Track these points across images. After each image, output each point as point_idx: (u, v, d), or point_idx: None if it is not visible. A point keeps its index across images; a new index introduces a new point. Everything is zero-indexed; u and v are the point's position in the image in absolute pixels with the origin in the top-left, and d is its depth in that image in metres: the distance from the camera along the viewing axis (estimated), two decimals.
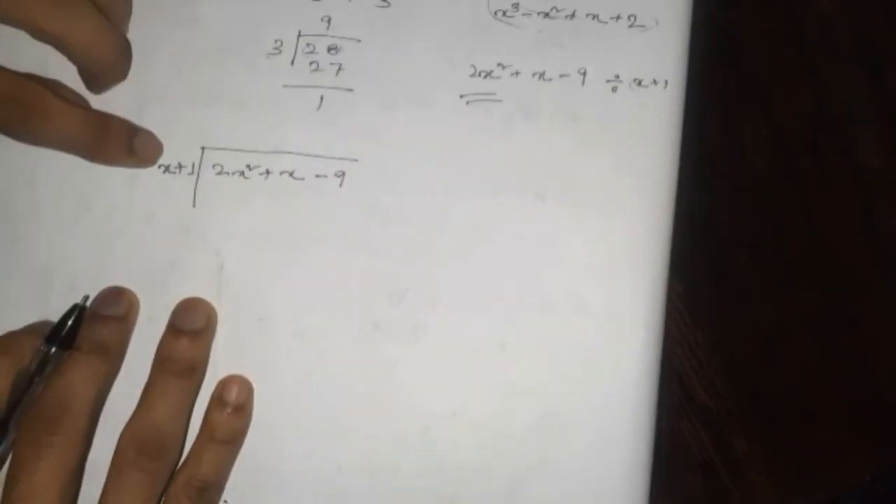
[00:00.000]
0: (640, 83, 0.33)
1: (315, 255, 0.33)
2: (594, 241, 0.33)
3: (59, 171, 0.34)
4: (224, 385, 0.33)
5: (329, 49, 0.34)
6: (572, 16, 0.34)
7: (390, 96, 0.34)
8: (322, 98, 0.34)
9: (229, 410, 0.32)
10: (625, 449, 0.32)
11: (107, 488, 0.31)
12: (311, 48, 0.34)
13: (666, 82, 0.33)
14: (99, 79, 0.33)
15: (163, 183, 0.34)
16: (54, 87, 0.33)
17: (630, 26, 0.34)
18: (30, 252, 0.34)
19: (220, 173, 0.34)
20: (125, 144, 0.33)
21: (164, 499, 0.32)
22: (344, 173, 0.34)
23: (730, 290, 0.36)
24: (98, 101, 0.34)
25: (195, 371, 0.33)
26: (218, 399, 0.33)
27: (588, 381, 0.32)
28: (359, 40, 0.34)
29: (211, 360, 0.33)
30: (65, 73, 0.33)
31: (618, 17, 0.34)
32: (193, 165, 0.34)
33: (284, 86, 0.34)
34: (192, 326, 0.33)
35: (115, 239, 0.34)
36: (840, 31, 0.37)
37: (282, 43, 0.34)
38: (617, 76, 0.33)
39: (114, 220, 0.34)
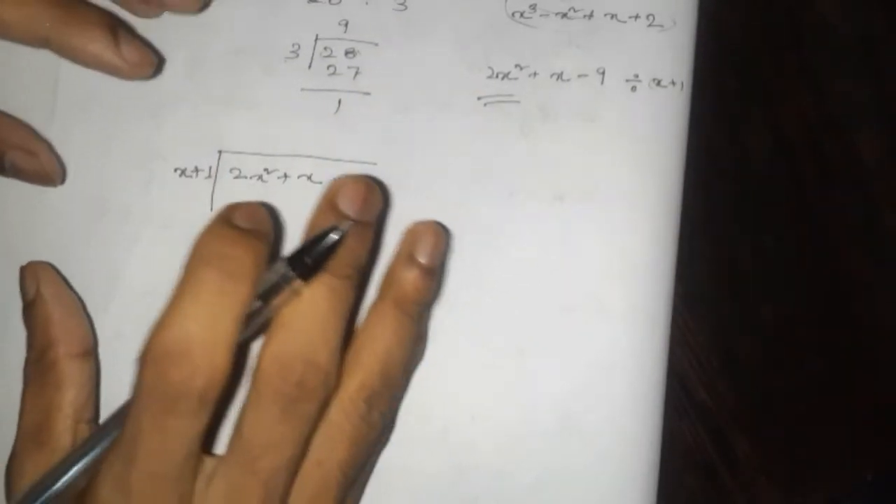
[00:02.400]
0: (658, 83, 0.33)
1: None
2: (614, 242, 0.32)
3: (73, 176, 0.33)
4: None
5: (346, 52, 0.34)
6: (590, 16, 0.33)
7: (408, 99, 0.33)
8: (340, 102, 0.33)
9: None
10: (641, 452, 0.31)
11: (324, 437, 0.27)
12: (329, 52, 0.34)
13: (682, 84, 0.33)
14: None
15: (179, 187, 0.33)
16: None
17: (649, 26, 0.33)
18: (45, 258, 0.32)
19: (237, 177, 0.33)
20: (108, 36, 0.31)
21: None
22: None
23: (730, 290, 0.36)
24: (113, 106, 0.33)
25: (425, 318, 0.30)
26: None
27: (607, 384, 0.32)
28: (376, 44, 0.34)
29: None
30: None
31: (636, 17, 0.33)
32: (210, 169, 0.33)
33: (302, 89, 0.33)
34: (431, 262, 0.29)
35: (132, 244, 0.33)
36: (840, 32, 0.37)
37: (299, 46, 0.34)
38: (636, 76, 0.33)
39: (129, 225, 0.33)
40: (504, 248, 0.32)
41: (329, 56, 0.34)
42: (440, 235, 0.29)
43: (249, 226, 0.26)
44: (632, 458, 0.32)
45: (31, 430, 0.29)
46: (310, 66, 0.34)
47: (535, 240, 0.32)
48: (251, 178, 0.33)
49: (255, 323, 0.26)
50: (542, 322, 0.32)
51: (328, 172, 0.33)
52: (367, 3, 0.34)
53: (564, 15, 0.33)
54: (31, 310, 0.31)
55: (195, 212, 0.33)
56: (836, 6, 0.37)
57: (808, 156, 0.36)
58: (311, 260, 0.26)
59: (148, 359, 0.24)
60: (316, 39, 0.34)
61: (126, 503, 0.25)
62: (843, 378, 0.35)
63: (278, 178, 0.33)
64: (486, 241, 0.32)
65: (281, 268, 0.26)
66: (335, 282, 0.26)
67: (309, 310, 0.26)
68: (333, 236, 0.26)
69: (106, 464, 0.26)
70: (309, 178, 0.33)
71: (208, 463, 0.26)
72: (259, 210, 0.27)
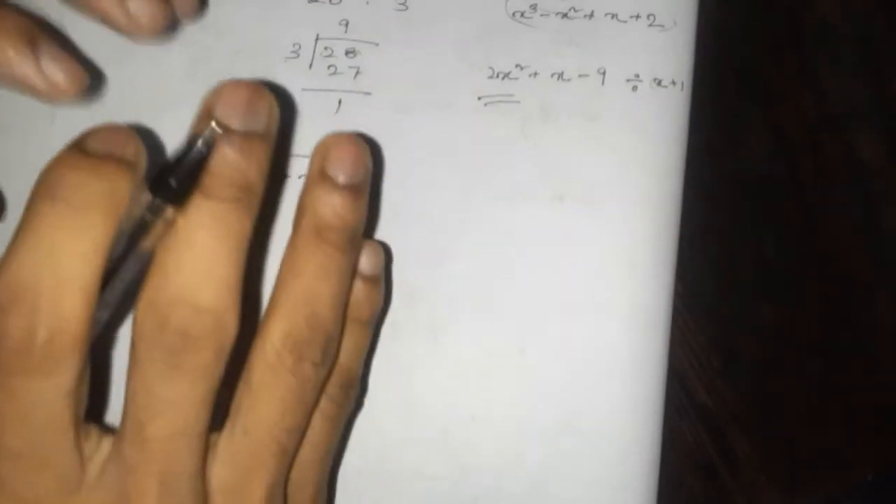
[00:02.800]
0: (659, 83, 0.33)
1: None
2: (614, 242, 0.32)
3: None
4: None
5: (347, 52, 0.34)
6: (591, 15, 0.33)
7: (408, 99, 0.33)
8: (340, 102, 0.33)
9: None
10: (641, 452, 0.31)
11: (251, 400, 0.23)
12: (329, 52, 0.34)
13: (683, 83, 0.33)
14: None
15: None
16: None
17: (650, 25, 0.33)
18: None
19: None
20: None
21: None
22: None
23: (730, 291, 0.35)
24: (113, 105, 0.33)
25: (355, 245, 0.25)
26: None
27: (608, 384, 0.31)
28: (376, 44, 0.34)
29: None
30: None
31: (637, 17, 0.33)
32: None
33: (303, 89, 0.33)
34: (351, 179, 0.24)
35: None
36: (840, 32, 0.37)
37: (300, 46, 0.34)
38: (637, 76, 0.33)
39: None
40: (504, 247, 0.32)
41: (330, 56, 0.34)
42: (357, 146, 0.25)
43: (108, 151, 0.21)
44: (632, 458, 0.32)
45: None
46: (310, 66, 0.34)
47: (536, 240, 0.32)
48: None
49: (132, 268, 0.22)
50: (542, 322, 0.32)
51: None
52: (367, 3, 0.34)
53: (565, 15, 0.33)
54: None
55: None
56: (836, 6, 0.37)
57: (808, 156, 0.36)
58: (176, 181, 0.21)
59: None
60: (316, 39, 0.34)
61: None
62: (843, 378, 0.35)
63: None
64: (486, 241, 0.32)
65: (144, 196, 0.21)
66: (215, 205, 0.21)
67: (184, 242, 0.21)
68: (200, 148, 0.21)
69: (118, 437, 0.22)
70: None
71: (104, 442, 0.22)
72: (121, 132, 0.22)
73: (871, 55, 0.37)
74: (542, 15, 0.33)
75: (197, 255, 0.21)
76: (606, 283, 0.32)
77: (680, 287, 0.33)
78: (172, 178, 0.21)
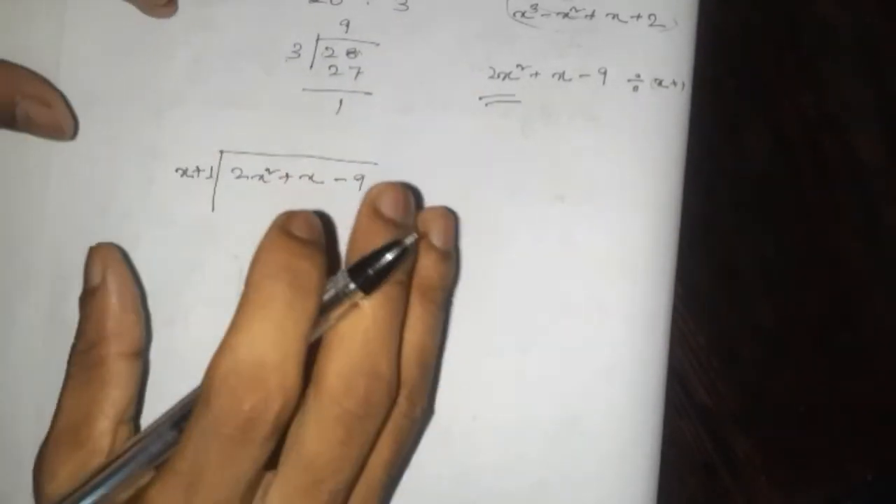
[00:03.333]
0: (660, 83, 0.32)
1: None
2: (615, 242, 0.32)
3: (74, 175, 0.33)
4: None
5: (348, 52, 0.33)
6: (592, 15, 0.33)
7: (409, 99, 0.33)
8: (341, 101, 0.33)
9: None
10: (641, 452, 0.31)
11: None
12: (330, 52, 0.33)
13: (683, 84, 0.33)
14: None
15: (181, 187, 0.33)
16: None
17: (650, 25, 0.33)
18: (46, 258, 0.33)
19: (239, 177, 0.33)
20: None
21: None
22: (363, 177, 0.33)
23: (730, 291, 0.35)
24: (114, 106, 0.33)
25: (448, 300, 0.29)
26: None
27: (607, 385, 0.31)
28: (377, 44, 0.33)
29: None
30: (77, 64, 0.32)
31: (638, 17, 0.33)
32: (212, 169, 0.33)
33: (304, 89, 0.33)
34: (445, 244, 0.28)
35: (133, 244, 0.32)
36: (840, 32, 0.37)
37: (301, 46, 0.33)
38: (638, 76, 0.33)
39: (130, 224, 0.33)
40: (505, 247, 0.32)
41: (330, 56, 0.34)
42: (450, 218, 0.28)
43: (308, 236, 0.25)
44: (632, 458, 0.31)
45: (69, 427, 0.27)
46: (311, 66, 0.33)
47: (536, 239, 0.32)
48: (252, 177, 0.33)
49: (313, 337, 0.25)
50: (542, 322, 0.32)
51: (330, 172, 0.33)
52: (368, 3, 0.34)
53: (566, 15, 0.33)
54: (90, 298, 0.29)
55: (196, 212, 0.33)
56: (836, 6, 0.37)
57: (808, 155, 0.36)
58: (374, 272, 0.25)
59: (217, 383, 0.23)
60: (317, 39, 0.34)
61: None
62: (843, 378, 0.35)
63: (280, 178, 0.33)
64: (487, 240, 0.32)
65: (341, 280, 0.25)
66: (392, 290, 0.25)
67: (371, 322, 0.24)
68: (399, 248, 0.25)
69: (158, 490, 0.24)
70: (310, 178, 0.33)
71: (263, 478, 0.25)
72: (315, 219, 0.26)
73: (871, 55, 0.36)
74: (542, 15, 0.33)
75: (379, 333, 0.25)
76: (606, 282, 0.32)
77: (680, 287, 0.33)
78: (371, 270, 0.24)
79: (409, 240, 0.25)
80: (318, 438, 0.24)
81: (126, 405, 0.28)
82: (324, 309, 0.24)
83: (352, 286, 0.24)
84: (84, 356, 0.28)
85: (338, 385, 0.24)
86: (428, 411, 0.30)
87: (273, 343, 0.23)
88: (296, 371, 0.23)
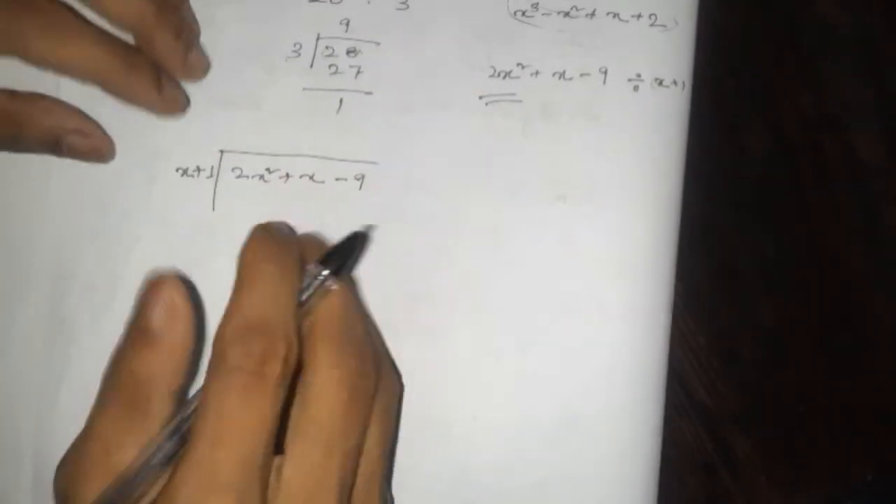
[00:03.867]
0: (661, 83, 0.32)
1: None
2: (615, 242, 0.32)
3: (74, 175, 0.33)
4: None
5: (348, 52, 0.33)
6: (592, 15, 0.33)
7: (410, 98, 0.33)
8: (341, 101, 0.33)
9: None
10: (641, 452, 0.31)
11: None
12: (331, 51, 0.33)
13: (683, 83, 0.33)
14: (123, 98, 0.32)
15: (181, 186, 0.33)
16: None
17: (651, 25, 0.33)
18: (46, 257, 0.32)
19: (239, 177, 0.33)
20: (154, 80, 0.32)
21: None
22: (364, 176, 0.33)
23: (730, 291, 0.35)
24: (115, 105, 0.33)
25: None
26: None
27: (607, 384, 0.31)
28: (378, 43, 0.33)
29: None
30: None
31: (639, 16, 0.33)
32: (212, 169, 0.33)
33: (304, 89, 0.33)
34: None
35: (133, 244, 0.32)
36: (840, 32, 0.37)
37: (301, 46, 0.33)
38: (638, 75, 0.32)
39: (131, 224, 0.33)
40: (505, 247, 0.32)
41: (331, 55, 0.33)
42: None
43: (286, 234, 0.28)
44: (632, 458, 0.31)
45: (102, 452, 0.26)
46: (311, 66, 0.33)
47: (536, 239, 0.32)
48: (253, 177, 0.33)
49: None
50: (542, 322, 0.32)
51: (330, 171, 0.33)
52: (368, 3, 0.34)
53: (566, 14, 0.33)
54: (143, 337, 0.27)
55: (196, 211, 0.33)
56: (836, 6, 0.37)
57: (808, 156, 0.36)
58: (341, 262, 0.28)
59: (230, 336, 0.25)
60: (317, 39, 0.34)
61: (211, 495, 0.24)
62: (842, 378, 0.35)
63: (280, 177, 0.33)
64: (488, 240, 0.32)
65: (314, 269, 0.27)
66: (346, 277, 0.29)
67: (345, 300, 0.27)
68: (358, 236, 0.28)
69: (184, 451, 0.24)
70: (311, 177, 0.33)
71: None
72: (289, 225, 0.30)
73: (871, 55, 0.36)
74: (543, 14, 0.33)
75: (351, 311, 0.28)
76: (607, 282, 0.32)
77: (680, 287, 0.33)
78: (339, 260, 0.28)
79: (363, 229, 0.29)
80: (324, 405, 0.26)
81: (181, 373, 0.27)
82: (301, 293, 0.27)
83: (325, 272, 0.27)
84: (129, 391, 0.26)
85: (332, 352, 0.26)
86: (399, 384, 0.31)
87: (272, 304, 0.25)
88: (293, 326, 0.25)
